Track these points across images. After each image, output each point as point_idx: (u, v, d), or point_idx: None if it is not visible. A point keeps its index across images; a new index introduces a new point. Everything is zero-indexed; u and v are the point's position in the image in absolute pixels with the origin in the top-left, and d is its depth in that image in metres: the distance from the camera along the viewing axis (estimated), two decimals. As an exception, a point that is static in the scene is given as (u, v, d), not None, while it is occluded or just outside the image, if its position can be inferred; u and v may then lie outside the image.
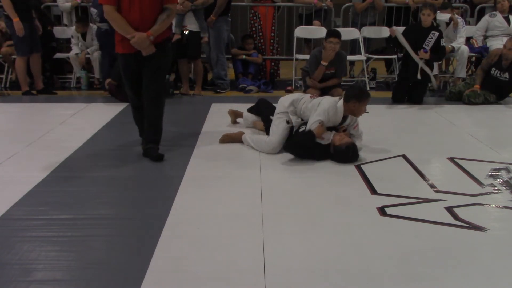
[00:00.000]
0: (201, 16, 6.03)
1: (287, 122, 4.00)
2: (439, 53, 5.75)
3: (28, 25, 5.92)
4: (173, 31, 6.07)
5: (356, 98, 3.81)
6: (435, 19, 5.90)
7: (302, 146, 3.80)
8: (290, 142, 3.89)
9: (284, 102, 4.12)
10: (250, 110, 4.70)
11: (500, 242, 2.62)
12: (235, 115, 4.85)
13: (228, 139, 4.26)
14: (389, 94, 6.10)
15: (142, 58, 3.64)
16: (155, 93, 3.78)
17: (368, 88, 6.83)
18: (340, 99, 3.93)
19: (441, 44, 5.69)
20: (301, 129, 3.94)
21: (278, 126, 4.01)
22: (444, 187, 3.32)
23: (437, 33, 5.65)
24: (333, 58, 5.35)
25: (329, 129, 3.89)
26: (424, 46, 5.64)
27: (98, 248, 2.56)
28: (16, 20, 5.76)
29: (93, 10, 6.37)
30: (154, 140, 3.86)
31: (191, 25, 6.01)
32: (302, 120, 4.06)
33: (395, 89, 6.03)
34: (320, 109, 3.84)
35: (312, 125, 3.77)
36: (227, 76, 6.70)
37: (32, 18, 6.07)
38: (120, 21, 3.55)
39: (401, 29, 6.10)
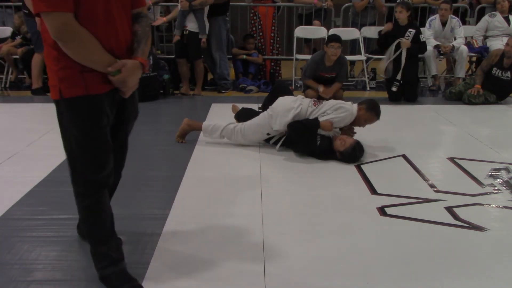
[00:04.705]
0: (201, 16, 6.03)
1: (267, 134, 4.07)
2: (419, 48, 5.81)
3: None
4: (174, 32, 6.09)
5: (368, 108, 3.96)
6: (414, 16, 5.94)
7: (305, 128, 3.83)
8: (294, 122, 3.89)
9: (282, 119, 3.91)
10: (237, 117, 4.67)
11: (500, 242, 2.62)
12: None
13: (188, 128, 4.27)
14: (389, 94, 6.10)
15: (122, 100, 2.10)
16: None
17: (368, 88, 6.84)
18: (352, 104, 4.01)
19: (421, 40, 5.76)
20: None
21: (257, 133, 4.08)
22: (444, 187, 3.32)
23: (413, 30, 5.71)
24: (334, 63, 5.36)
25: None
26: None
27: (98, 248, 2.56)
28: None
29: None
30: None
31: (191, 24, 6.01)
32: None
33: (388, 89, 6.03)
34: (339, 117, 3.89)
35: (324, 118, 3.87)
36: (229, 76, 6.71)
37: None
38: (93, 42, 1.88)
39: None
